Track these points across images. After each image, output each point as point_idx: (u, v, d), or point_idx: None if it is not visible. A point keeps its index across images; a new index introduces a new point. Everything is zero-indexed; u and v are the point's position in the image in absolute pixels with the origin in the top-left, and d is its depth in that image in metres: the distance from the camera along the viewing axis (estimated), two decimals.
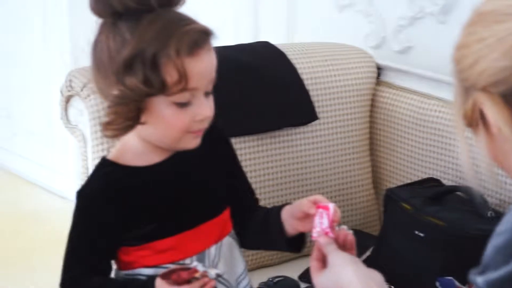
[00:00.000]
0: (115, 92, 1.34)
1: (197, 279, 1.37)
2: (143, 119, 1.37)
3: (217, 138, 1.54)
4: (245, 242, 1.59)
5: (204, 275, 1.38)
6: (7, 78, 4.00)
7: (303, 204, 1.47)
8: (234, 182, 1.59)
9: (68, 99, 1.90)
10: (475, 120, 1.11)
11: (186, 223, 1.45)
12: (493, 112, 1.06)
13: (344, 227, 1.44)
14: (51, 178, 3.86)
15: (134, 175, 1.43)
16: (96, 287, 1.43)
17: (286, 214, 1.52)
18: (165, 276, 1.38)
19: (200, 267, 1.39)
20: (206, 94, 1.40)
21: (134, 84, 1.31)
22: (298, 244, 1.56)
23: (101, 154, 1.83)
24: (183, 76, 1.32)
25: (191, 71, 1.33)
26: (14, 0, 3.85)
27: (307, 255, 2.10)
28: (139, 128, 1.39)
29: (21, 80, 3.93)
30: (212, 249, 1.48)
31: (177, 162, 1.46)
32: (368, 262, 2.01)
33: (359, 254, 2.04)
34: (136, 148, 1.44)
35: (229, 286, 1.51)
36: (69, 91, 1.88)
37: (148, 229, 1.42)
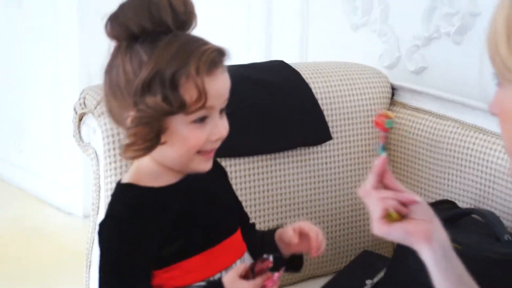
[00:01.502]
0: (134, 113, 1.35)
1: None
2: (162, 139, 1.37)
3: (219, 170, 1.58)
4: None
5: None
6: (21, 95, 4.03)
7: (287, 232, 1.51)
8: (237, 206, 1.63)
9: (81, 117, 1.90)
10: None
11: (210, 240, 1.45)
12: None
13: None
14: (58, 194, 3.88)
15: (155, 195, 1.43)
16: None
17: (277, 237, 1.54)
18: (245, 274, 1.39)
19: (270, 256, 1.40)
20: (221, 112, 1.42)
21: (154, 102, 1.33)
22: (296, 264, 1.58)
23: (114, 172, 1.84)
24: (202, 94, 1.34)
25: (210, 89, 1.35)
26: (28, 25, 3.89)
27: (319, 275, 2.12)
28: (154, 150, 1.39)
29: (32, 98, 3.96)
30: (238, 263, 1.48)
31: (191, 183, 1.46)
32: (382, 284, 2.02)
33: (371, 276, 2.05)
34: (151, 170, 1.44)
35: None
36: (82, 108, 1.88)
37: (174, 249, 1.42)
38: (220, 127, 1.40)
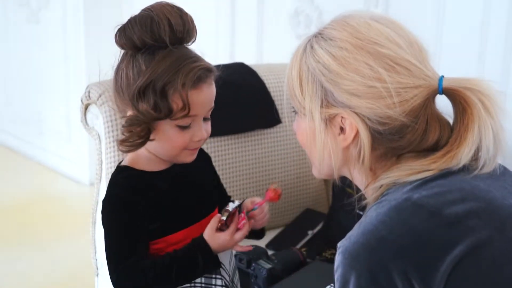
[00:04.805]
0: (130, 113, 1.30)
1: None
2: (152, 136, 1.32)
3: (204, 156, 1.51)
4: None
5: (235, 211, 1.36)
6: (39, 91, 4.01)
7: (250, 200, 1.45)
8: (216, 189, 1.54)
9: (86, 106, 1.88)
10: None
11: (192, 218, 1.40)
12: None
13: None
14: (69, 167, 3.86)
15: (149, 178, 1.37)
16: (148, 267, 1.32)
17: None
18: (220, 227, 1.34)
19: (234, 204, 1.36)
20: (205, 119, 1.36)
21: (146, 109, 1.27)
22: (258, 232, 1.52)
23: (112, 149, 1.82)
24: (186, 105, 1.28)
25: (193, 101, 1.29)
26: (45, 36, 3.87)
27: (272, 228, 2.12)
28: (149, 144, 1.34)
29: (49, 92, 3.94)
30: None
31: (179, 170, 1.41)
32: (320, 234, 2.02)
33: (312, 228, 2.05)
34: (146, 157, 1.38)
35: (227, 272, 1.45)
36: (87, 100, 1.86)
37: (158, 226, 1.36)
38: (202, 131, 1.34)
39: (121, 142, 1.31)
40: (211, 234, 1.34)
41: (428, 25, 2.21)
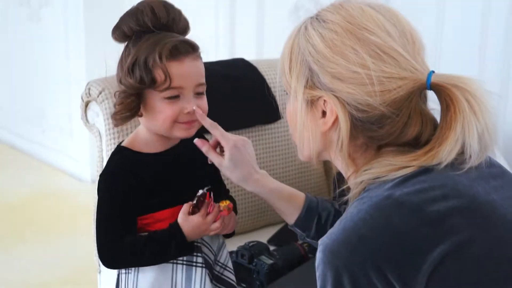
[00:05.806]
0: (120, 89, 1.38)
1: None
2: (142, 111, 1.39)
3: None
4: None
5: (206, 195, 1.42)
6: (42, 89, 4.02)
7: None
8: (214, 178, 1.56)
9: (87, 104, 1.88)
10: None
11: (180, 199, 1.43)
12: None
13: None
14: (71, 165, 3.87)
15: (143, 159, 1.43)
16: (128, 243, 1.39)
17: None
18: (192, 211, 1.40)
19: (203, 190, 1.41)
20: (197, 94, 1.40)
21: (130, 83, 1.35)
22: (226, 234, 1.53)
23: (113, 146, 1.81)
24: (167, 75, 1.34)
25: (174, 72, 1.35)
26: (46, 35, 3.89)
27: (273, 223, 2.11)
28: (144, 121, 1.41)
29: (51, 90, 3.95)
30: None
31: (176, 153, 1.45)
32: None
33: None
34: (145, 138, 1.44)
35: (212, 252, 1.48)
36: (88, 97, 1.86)
37: (150, 202, 1.42)
38: (190, 103, 1.38)
39: (113, 116, 1.39)
40: (184, 217, 1.40)
41: (428, 21, 2.20)
